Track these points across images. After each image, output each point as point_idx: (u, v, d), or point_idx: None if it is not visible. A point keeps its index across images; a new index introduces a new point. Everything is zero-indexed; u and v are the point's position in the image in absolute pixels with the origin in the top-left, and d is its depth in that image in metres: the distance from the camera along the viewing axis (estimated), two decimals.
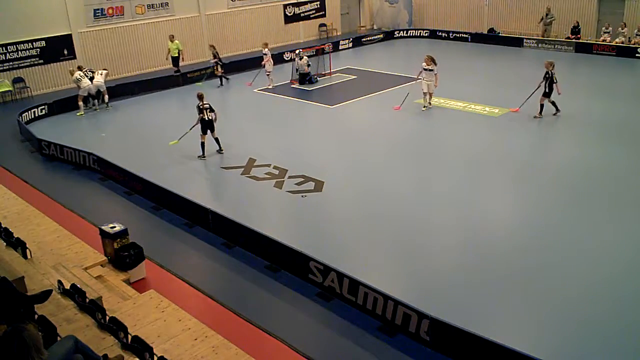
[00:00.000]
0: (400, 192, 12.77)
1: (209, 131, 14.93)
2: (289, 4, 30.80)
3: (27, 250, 8.11)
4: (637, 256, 9.94)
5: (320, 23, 32.55)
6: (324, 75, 23.64)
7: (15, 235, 8.53)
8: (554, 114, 17.06)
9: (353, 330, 8.33)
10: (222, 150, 15.20)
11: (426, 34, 31.57)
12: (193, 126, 15.09)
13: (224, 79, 22.89)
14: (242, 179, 13.82)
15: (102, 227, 9.87)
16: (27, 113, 18.87)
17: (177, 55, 23.68)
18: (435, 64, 17.99)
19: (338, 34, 33.16)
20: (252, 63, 24.49)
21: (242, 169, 14.31)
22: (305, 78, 22.61)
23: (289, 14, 31.01)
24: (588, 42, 26.39)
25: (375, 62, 26.17)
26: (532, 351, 7.04)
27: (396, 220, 11.49)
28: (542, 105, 17.02)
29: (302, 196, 12.71)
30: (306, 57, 22.83)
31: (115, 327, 6.15)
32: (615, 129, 16.19)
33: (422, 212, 11.88)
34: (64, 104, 20.12)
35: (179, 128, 15.94)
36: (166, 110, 20.50)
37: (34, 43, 22.41)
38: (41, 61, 22.72)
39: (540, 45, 27.35)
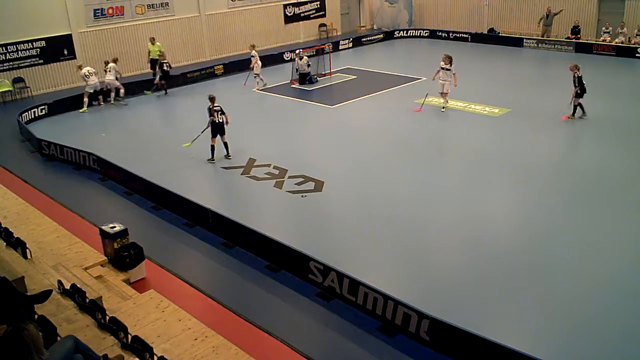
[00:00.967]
0: (401, 192, 12.77)
1: (219, 134, 14.67)
2: (289, 4, 30.80)
3: (27, 250, 8.11)
4: (637, 257, 9.94)
5: (320, 23, 32.55)
6: (324, 75, 23.63)
7: (16, 235, 8.54)
8: (581, 117, 16.83)
9: (353, 330, 8.33)
10: (229, 156, 14.86)
11: (426, 34, 31.56)
12: (204, 129, 14.85)
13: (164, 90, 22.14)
14: (242, 179, 13.82)
15: (102, 227, 9.88)
16: (27, 113, 18.87)
17: (157, 57, 22.67)
18: (452, 63, 17.96)
19: (338, 34, 33.16)
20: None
21: (242, 169, 14.31)
22: (305, 78, 22.60)
23: (289, 14, 31.01)
24: (588, 42, 26.39)
25: (375, 62, 26.17)
26: (532, 351, 7.04)
27: (396, 220, 11.49)
28: (580, 106, 16.73)
29: (302, 196, 12.71)
30: (306, 57, 22.83)
31: (115, 327, 6.16)
32: (615, 128, 16.19)
33: (422, 211, 11.87)
34: (64, 104, 20.12)
35: (179, 128, 15.97)
36: (167, 110, 20.51)
37: (34, 43, 22.40)
38: (41, 61, 22.71)
39: (540, 45, 27.35)
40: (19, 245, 8.17)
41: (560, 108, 17.77)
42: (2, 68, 21.76)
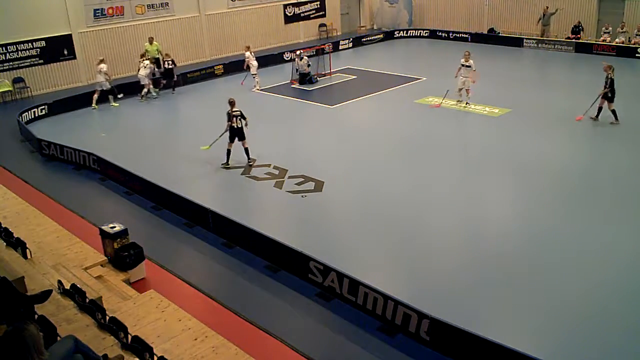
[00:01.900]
0: (401, 192, 12.77)
1: (236, 139, 14.26)
2: (289, 4, 30.80)
3: (27, 250, 8.11)
4: (637, 257, 9.93)
5: (320, 23, 32.55)
6: (324, 75, 23.64)
7: (15, 235, 8.53)
8: (593, 117, 16.66)
9: (353, 330, 8.33)
10: (251, 162, 14.43)
11: (426, 34, 31.57)
12: (222, 133, 14.45)
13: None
14: (242, 179, 13.82)
15: (102, 227, 9.88)
16: (27, 113, 18.87)
17: (157, 57, 22.62)
18: (470, 59, 18.15)
19: (338, 34, 33.16)
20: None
21: (242, 169, 14.30)
22: (305, 78, 22.61)
23: (289, 14, 31.01)
24: (588, 42, 26.39)
25: (375, 62, 26.17)
26: (532, 351, 7.04)
27: (396, 220, 11.49)
28: (613, 112, 16.42)
29: (302, 196, 12.71)
30: (306, 57, 22.83)
31: (115, 327, 6.15)
32: (616, 129, 16.19)
33: (422, 212, 11.88)
34: (64, 104, 20.13)
35: (178, 128, 15.97)
36: (166, 110, 20.50)
37: (34, 43, 22.40)
38: (41, 61, 22.71)
39: (540, 45, 27.35)
40: (19, 245, 8.17)
41: (560, 108, 17.82)
42: (2, 68, 21.76)
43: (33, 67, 22.52)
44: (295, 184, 13.29)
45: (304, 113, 19.36)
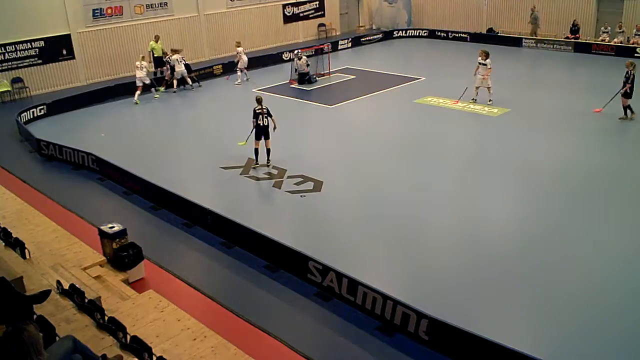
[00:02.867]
0: (400, 192, 12.77)
1: (263, 137, 14.12)
2: (288, 4, 30.79)
3: (26, 250, 8.10)
4: (636, 256, 9.94)
5: (320, 23, 32.55)
6: (323, 75, 23.63)
7: (14, 236, 8.53)
8: (621, 118, 16.62)
9: (352, 330, 8.33)
10: (269, 163, 14.27)
11: (425, 34, 31.57)
12: (252, 130, 14.27)
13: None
14: (241, 179, 13.81)
15: (101, 227, 9.87)
16: (25, 113, 18.86)
17: (161, 55, 23.10)
18: (488, 57, 18.33)
19: (337, 33, 33.15)
20: (251, 62, 24.45)
21: (241, 169, 14.30)
22: (304, 78, 22.60)
23: (288, 14, 31.00)
24: (587, 41, 26.40)
25: (374, 62, 26.17)
26: (531, 351, 7.04)
27: (395, 220, 11.50)
28: (629, 108, 16.47)
29: (301, 196, 12.71)
30: (305, 57, 22.84)
31: (114, 327, 6.15)
32: (617, 128, 16.20)
33: (421, 211, 11.88)
34: (63, 104, 20.11)
35: (177, 128, 15.96)
36: (165, 110, 20.49)
37: (33, 43, 22.38)
38: (40, 61, 22.69)
39: (539, 45, 27.36)
40: (17, 245, 8.16)
41: (559, 108, 17.82)
42: (0, 68, 21.73)
43: (32, 67, 22.50)
44: (294, 184, 13.29)
45: (303, 113, 19.36)
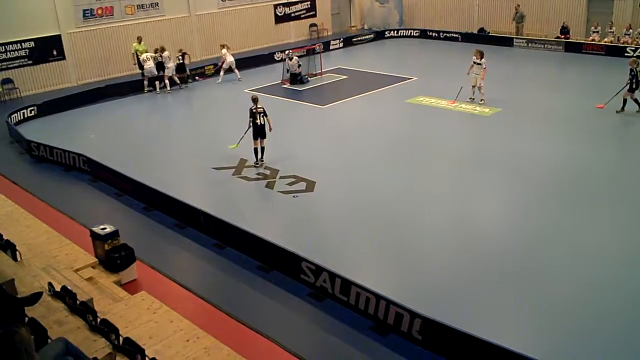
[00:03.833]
0: (392, 192, 12.78)
1: (259, 137, 14.13)
2: (279, 4, 30.77)
3: (17, 252, 8.05)
4: (633, 256, 9.98)
5: (311, 23, 32.55)
6: (315, 75, 23.64)
7: (5, 237, 8.48)
8: (638, 111, 16.94)
9: (345, 330, 8.33)
10: (262, 161, 14.27)
11: (417, 34, 31.62)
12: (247, 130, 14.32)
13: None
14: (234, 180, 13.78)
15: (93, 229, 9.81)
16: (16, 114, 18.73)
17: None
18: (483, 57, 18.40)
19: (329, 34, 33.16)
20: (242, 63, 24.47)
21: (234, 170, 14.27)
22: (296, 78, 22.60)
23: (280, 14, 30.98)
24: (577, 41, 26.56)
25: (366, 62, 26.20)
26: (526, 350, 7.06)
27: (388, 220, 11.51)
28: (625, 100, 16.95)
29: (294, 196, 12.70)
30: (296, 58, 22.81)
31: (106, 329, 6.12)
32: (612, 127, 16.29)
33: (414, 211, 11.90)
34: (54, 105, 20.00)
35: (168, 128, 15.91)
36: (156, 110, 20.43)
37: (23, 44, 22.24)
38: (30, 62, 22.55)
39: (530, 45, 27.49)
40: (8, 247, 8.11)
41: (550, 107, 17.88)
42: None
43: (22, 68, 22.35)
44: (287, 184, 13.28)
45: (295, 113, 19.34)
